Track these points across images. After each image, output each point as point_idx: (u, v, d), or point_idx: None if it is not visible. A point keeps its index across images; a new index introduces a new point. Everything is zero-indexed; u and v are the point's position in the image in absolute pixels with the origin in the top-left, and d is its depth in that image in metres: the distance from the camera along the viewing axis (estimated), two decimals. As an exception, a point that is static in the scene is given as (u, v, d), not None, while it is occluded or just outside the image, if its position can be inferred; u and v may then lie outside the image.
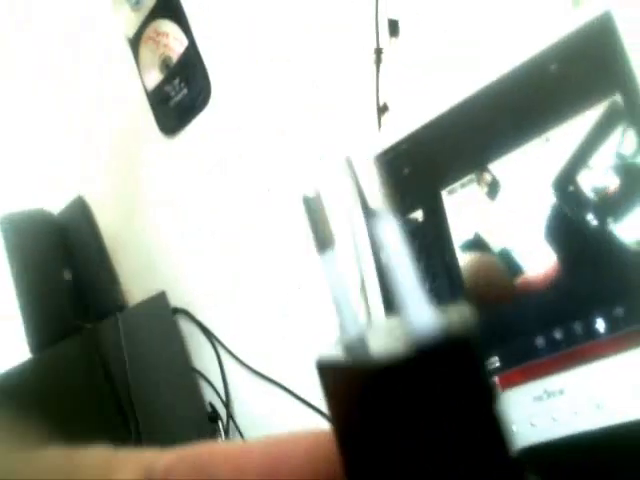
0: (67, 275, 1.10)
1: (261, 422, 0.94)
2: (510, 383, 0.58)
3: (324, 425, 0.16)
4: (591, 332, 0.53)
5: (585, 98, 0.52)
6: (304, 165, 0.79)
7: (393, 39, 0.71)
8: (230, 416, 0.97)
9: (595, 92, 0.53)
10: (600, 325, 0.52)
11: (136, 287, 1.06)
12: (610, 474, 0.58)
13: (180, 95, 0.93)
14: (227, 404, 0.98)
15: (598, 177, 0.53)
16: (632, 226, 0.51)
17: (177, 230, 1.02)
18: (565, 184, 0.54)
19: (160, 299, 1.01)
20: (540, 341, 0.56)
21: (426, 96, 0.65)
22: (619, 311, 0.51)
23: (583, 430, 0.54)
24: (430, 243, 0.61)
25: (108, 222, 1.07)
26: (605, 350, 0.52)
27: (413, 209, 0.62)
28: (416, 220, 0.63)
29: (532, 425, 0.57)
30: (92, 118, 1.13)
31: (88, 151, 1.14)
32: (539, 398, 0.56)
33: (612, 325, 0.51)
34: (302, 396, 0.86)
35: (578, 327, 0.53)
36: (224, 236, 0.96)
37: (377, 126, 0.69)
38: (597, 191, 0.53)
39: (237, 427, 0.97)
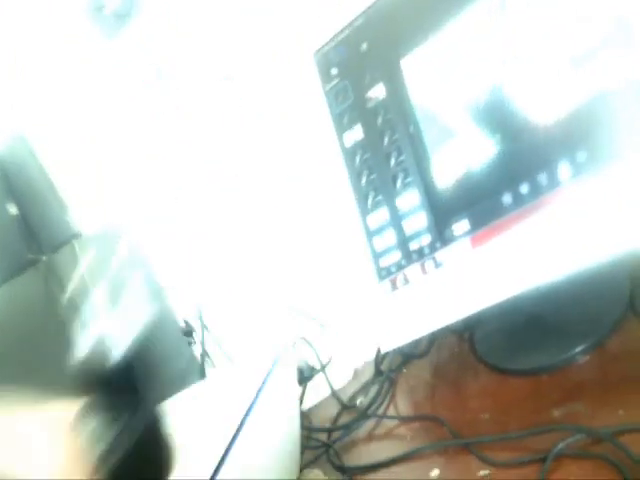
0: (12, 209, 1.05)
1: (236, 327, 0.96)
2: (480, 242, 0.60)
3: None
4: (555, 180, 0.55)
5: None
6: (253, 57, 0.76)
7: None
8: (204, 327, 0.98)
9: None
10: (565, 172, 0.54)
11: (92, 215, 1.02)
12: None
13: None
14: (200, 316, 0.98)
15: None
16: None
17: (128, 146, 0.97)
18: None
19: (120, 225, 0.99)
20: (507, 198, 0.58)
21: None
22: (582, 155, 0.53)
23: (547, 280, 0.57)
24: (393, 117, 0.62)
25: (52, 151, 1.01)
26: (566, 198, 0.54)
27: (374, 84, 0.62)
28: (376, 98, 0.62)
29: (501, 280, 0.60)
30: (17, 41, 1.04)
31: (19, 77, 1.06)
32: (506, 252, 0.59)
33: (576, 170, 0.54)
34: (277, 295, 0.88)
35: (543, 178, 0.56)
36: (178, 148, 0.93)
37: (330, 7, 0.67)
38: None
39: (213, 337, 0.98)
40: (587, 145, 0.53)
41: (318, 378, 0.81)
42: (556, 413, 0.54)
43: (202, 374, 0.98)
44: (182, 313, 1.01)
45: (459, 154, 0.59)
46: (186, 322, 1.02)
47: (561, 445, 0.50)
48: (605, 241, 0.53)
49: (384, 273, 0.66)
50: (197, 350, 1.00)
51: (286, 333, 0.83)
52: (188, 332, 1.01)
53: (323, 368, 0.81)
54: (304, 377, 0.80)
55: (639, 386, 0.51)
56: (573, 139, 0.53)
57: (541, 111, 0.55)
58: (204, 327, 0.98)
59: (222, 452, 0.49)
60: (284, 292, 0.88)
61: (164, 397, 0.79)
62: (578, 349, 0.58)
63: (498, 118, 0.57)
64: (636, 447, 0.45)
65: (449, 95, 0.59)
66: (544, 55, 0.54)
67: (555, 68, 0.54)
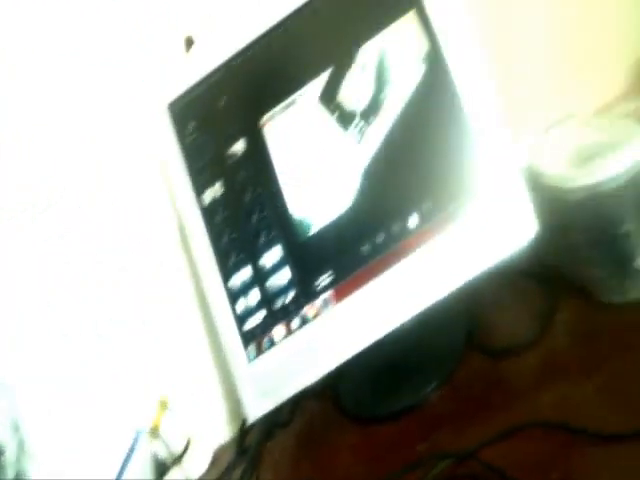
0: None
1: (62, 435, 0.81)
2: (344, 294, 0.62)
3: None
4: (405, 229, 0.60)
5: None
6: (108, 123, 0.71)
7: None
8: (21, 442, 0.82)
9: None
10: (413, 221, 0.60)
11: None
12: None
13: None
14: (15, 427, 0.82)
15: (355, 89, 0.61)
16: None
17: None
18: (329, 99, 0.61)
19: None
20: (366, 248, 0.61)
21: (232, 24, 0.66)
22: (428, 205, 0.59)
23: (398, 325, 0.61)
24: (254, 174, 0.63)
25: None
26: (417, 243, 0.60)
27: (234, 141, 0.63)
28: (236, 154, 0.64)
29: (362, 329, 0.62)
30: None
31: None
32: (366, 304, 0.62)
33: (423, 218, 0.59)
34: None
35: (396, 227, 0.61)
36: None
37: (185, 60, 0.68)
38: (358, 100, 0.61)
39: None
40: (431, 195, 0.59)
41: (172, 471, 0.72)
42: (422, 448, 0.56)
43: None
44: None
45: (318, 208, 0.62)
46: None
47: (433, 472, 0.51)
48: (443, 280, 0.59)
49: (249, 336, 0.64)
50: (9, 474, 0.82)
51: (127, 425, 0.73)
52: (-3, 450, 0.83)
53: (177, 460, 0.73)
54: (156, 475, 0.71)
55: (487, 409, 0.56)
56: (419, 191, 0.60)
57: (391, 167, 0.61)
58: (21, 442, 0.82)
59: None
60: (122, 375, 0.78)
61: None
62: (430, 387, 0.62)
63: (352, 174, 0.62)
64: (496, 459, 0.48)
65: (306, 153, 0.63)
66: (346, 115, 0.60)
67: (394, 129, 0.60)
